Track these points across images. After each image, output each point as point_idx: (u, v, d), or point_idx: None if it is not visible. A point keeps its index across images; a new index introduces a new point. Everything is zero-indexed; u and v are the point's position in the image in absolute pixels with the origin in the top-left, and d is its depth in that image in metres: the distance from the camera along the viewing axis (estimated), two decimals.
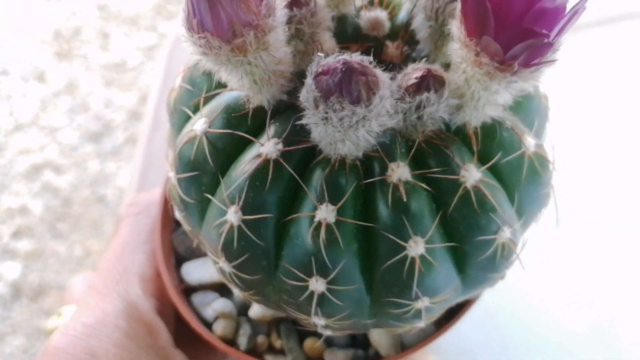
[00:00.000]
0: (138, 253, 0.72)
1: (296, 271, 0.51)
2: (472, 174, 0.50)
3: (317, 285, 0.51)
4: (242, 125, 0.53)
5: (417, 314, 0.54)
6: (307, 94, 0.45)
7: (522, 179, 0.54)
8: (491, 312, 0.84)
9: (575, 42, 1.15)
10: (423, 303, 0.53)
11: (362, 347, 0.70)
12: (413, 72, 0.49)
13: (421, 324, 0.57)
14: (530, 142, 0.54)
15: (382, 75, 0.46)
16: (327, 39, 0.56)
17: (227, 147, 0.52)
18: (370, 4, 0.60)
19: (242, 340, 0.68)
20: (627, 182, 1.02)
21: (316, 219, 0.48)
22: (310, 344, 0.68)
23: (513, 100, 0.51)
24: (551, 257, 0.91)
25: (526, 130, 0.55)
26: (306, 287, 0.51)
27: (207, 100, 0.55)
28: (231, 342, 0.69)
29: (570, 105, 1.09)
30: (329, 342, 0.69)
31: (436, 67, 0.49)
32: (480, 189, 0.51)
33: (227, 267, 0.54)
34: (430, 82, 0.48)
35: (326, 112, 0.45)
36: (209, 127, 0.53)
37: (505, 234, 0.53)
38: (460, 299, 0.58)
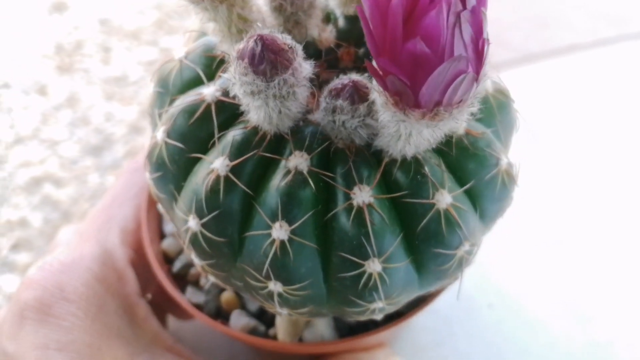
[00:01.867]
0: (124, 206, 0.78)
1: (255, 273, 0.52)
2: (444, 199, 0.52)
3: (276, 287, 0.52)
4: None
5: (373, 312, 0.55)
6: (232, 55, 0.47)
7: (494, 195, 0.55)
8: (489, 331, 0.85)
9: (572, 64, 1.16)
10: (378, 305, 0.54)
11: (266, 324, 0.71)
12: (343, 79, 0.50)
13: (378, 317, 0.58)
14: (504, 160, 0.55)
15: (299, 64, 0.47)
16: (312, 26, 0.56)
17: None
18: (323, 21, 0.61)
19: (177, 265, 0.71)
20: (628, 199, 1.03)
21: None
22: (227, 296, 0.70)
23: (481, 114, 0.52)
24: (550, 274, 0.92)
25: (502, 149, 0.57)
26: (266, 286, 0.53)
27: (171, 102, 0.56)
28: (170, 261, 0.73)
29: (568, 126, 1.10)
30: (243, 305, 0.71)
31: (365, 83, 0.50)
32: (450, 211, 0.52)
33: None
34: (350, 93, 0.49)
35: (234, 77, 0.47)
36: (167, 137, 0.54)
37: (465, 247, 0.54)
38: (419, 288, 0.59)
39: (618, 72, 1.18)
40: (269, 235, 0.50)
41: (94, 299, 0.70)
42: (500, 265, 0.89)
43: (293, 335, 0.68)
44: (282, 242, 0.50)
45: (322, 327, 0.69)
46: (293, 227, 0.49)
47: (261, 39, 0.46)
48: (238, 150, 0.50)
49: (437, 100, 0.43)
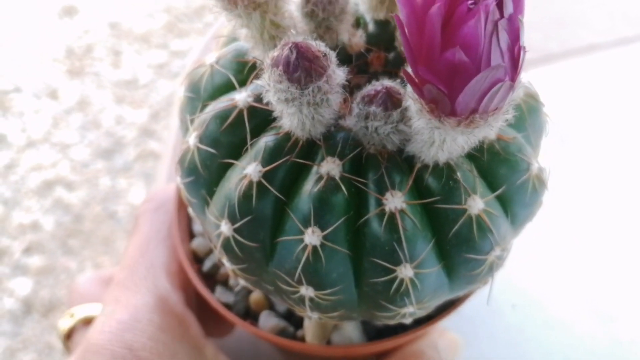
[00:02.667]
0: (160, 248, 0.75)
1: (287, 278, 0.52)
2: (477, 204, 0.52)
3: (308, 292, 0.52)
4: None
5: (403, 317, 0.55)
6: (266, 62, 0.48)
7: (525, 200, 0.55)
8: (514, 332, 0.85)
9: (592, 64, 1.17)
10: (409, 309, 0.54)
11: (295, 325, 0.71)
12: (376, 85, 0.50)
13: (407, 321, 0.58)
14: (535, 165, 0.56)
15: (332, 71, 0.47)
16: (343, 31, 0.57)
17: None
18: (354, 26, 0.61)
19: (206, 264, 0.71)
20: None
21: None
22: (256, 296, 0.70)
23: (516, 119, 0.52)
24: (573, 275, 0.92)
25: (532, 153, 0.57)
26: (297, 291, 0.53)
27: (203, 108, 0.56)
28: (200, 260, 0.72)
29: (589, 126, 1.10)
30: (272, 306, 0.71)
31: (398, 90, 0.50)
32: (483, 218, 0.52)
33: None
34: (383, 100, 0.49)
35: (269, 84, 0.47)
36: (199, 143, 0.54)
37: (496, 252, 0.54)
38: (449, 293, 0.59)
39: (638, 71, 1.18)
40: (302, 240, 0.50)
41: (164, 350, 0.67)
42: (524, 266, 0.89)
43: (321, 338, 0.68)
44: (315, 248, 0.50)
45: (350, 330, 0.69)
46: (325, 232, 0.50)
47: (296, 46, 0.46)
48: (270, 156, 0.50)
49: (474, 108, 0.43)
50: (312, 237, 0.50)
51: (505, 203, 0.55)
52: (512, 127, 0.55)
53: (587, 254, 0.95)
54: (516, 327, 0.85)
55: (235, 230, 0.53)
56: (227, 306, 0.70)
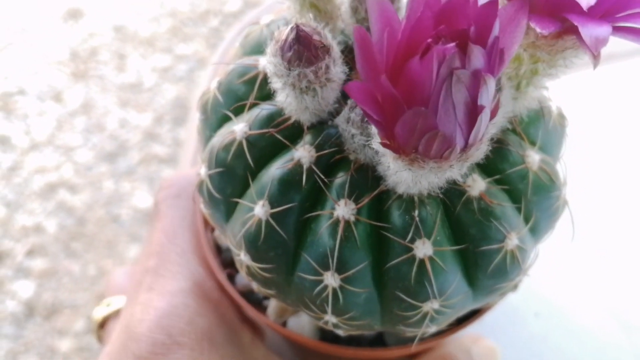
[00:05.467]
0: (188, 234, 0.75)
1: (315, 264, 0.52)
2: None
3: (332, 280, 0.52)
4: (279, 133, 0.55)
5: (426, 317, 0.55)
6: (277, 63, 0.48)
7: (528, 192, 0.55)
8: (537, 341, 0.84)
9: (608, 74, 1.17)
10: (432, 305, 0.53)
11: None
12: None
13: (431, 329, 0.58)
14: (534, 157, 0.55)
15: (326, 65, 0.48)
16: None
17: (264, 149, 0.54)
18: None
19: (226, 254, 0.72)
20: None
21: (335, 215, 0.50)
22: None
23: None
24: (595, 283, 0.91)
25: (529, 147, 0.57)
26: (321, 281, 0.53)
27: (250, 107, 0.57)
28: (221, 250, 0.73)
29: (609, 135, 1.10)
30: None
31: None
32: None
33: (248, 261, 0.55)
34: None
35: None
36: (249, 130, 0.55)
37: (512, 241, 0.53)
38: (471, 307, 0.59)
39: None
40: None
41: (202, 335, 0.68)
42: (547, 274, 0.88)
43: (279, 316, 0.69)
44: (347, 223, 0.51)
45: (306, 321, 0.70)
46: (358, 206, 0.51)
47: (297, 29, 0.46)
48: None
49: (414, 145, 0.43)
50: (344, 209, 0.51)
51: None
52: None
53: (611, 262, 0.94)
54: (539, 336, 0.84)
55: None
56: (245, 294, 0.71)
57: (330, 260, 0.52)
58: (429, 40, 0.41)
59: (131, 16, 1.69)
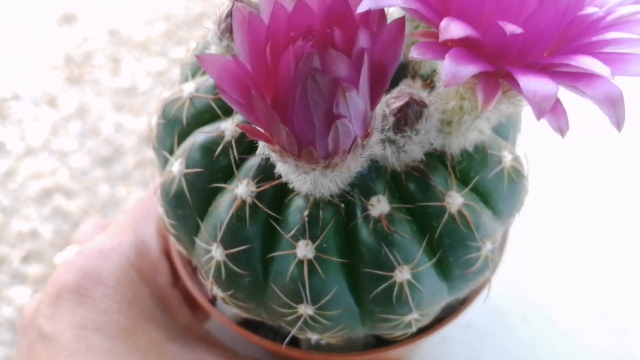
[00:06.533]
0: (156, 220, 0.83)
1: (208, 237, 0.53)
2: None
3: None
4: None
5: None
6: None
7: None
8: (525, 345, 0.84)
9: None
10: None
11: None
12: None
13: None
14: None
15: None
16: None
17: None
18: None
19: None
20: None
21: (234, 193, 0.51)
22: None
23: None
24: (585, 287, 0.91)
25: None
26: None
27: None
28: None
29: (586, 140, 1.10)
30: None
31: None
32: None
33: (220, 293, 0.56)
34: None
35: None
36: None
37: (403, 274, 0.54)
38: (360, 330, 0.59)
39: None
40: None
41: (129, 285, 0.74)
42: (536, 278, 0.88)
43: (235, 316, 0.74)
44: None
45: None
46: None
47: (232, 5, 0.49)
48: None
49: (276, 139, 0.45)
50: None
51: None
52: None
53: (600, 266, 0.94)
54: (527, 340, 0.85)
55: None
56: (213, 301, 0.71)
57: (218, 233, 0.53)
58: (292, 34, 0.41)
59: (125, 20, 1.69)
